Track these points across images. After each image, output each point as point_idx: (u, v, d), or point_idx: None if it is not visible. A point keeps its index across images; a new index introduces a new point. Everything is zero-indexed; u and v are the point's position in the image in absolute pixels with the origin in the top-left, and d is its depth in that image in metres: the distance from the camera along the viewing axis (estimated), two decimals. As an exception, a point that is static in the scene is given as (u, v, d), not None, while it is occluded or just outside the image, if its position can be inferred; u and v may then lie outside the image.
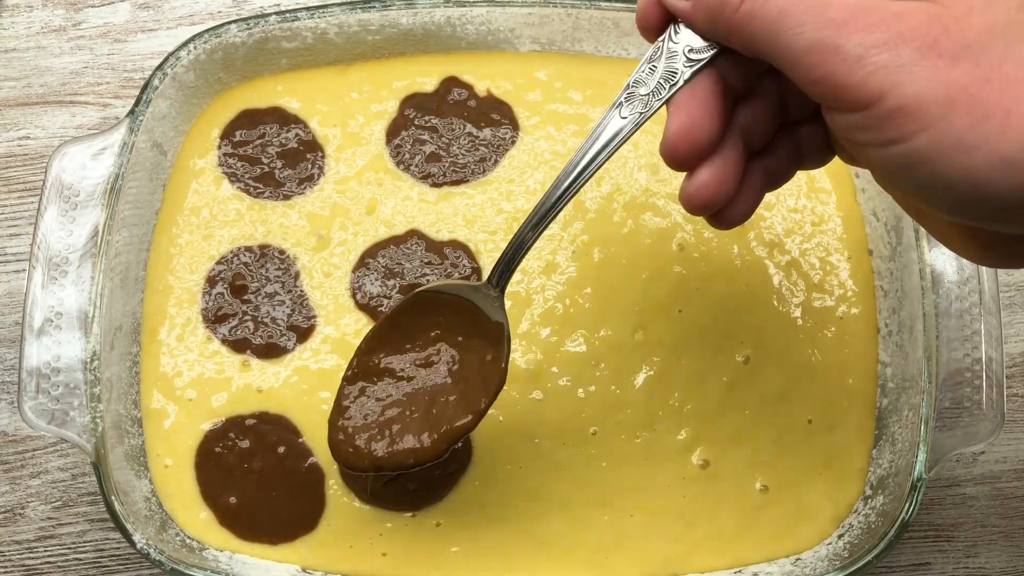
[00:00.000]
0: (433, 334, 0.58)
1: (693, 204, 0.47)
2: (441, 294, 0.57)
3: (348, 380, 0.58)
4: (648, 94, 0.47)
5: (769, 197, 0.68)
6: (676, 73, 0.46)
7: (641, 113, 0.47)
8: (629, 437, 0.64)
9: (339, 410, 0.57)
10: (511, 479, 0.63)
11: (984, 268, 0.61)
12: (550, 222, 0.52)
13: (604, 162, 0.49)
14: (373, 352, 0.58)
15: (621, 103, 0.48)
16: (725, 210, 0.48)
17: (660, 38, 0.47)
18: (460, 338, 0.57)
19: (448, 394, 0.57)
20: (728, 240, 0.67)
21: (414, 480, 0.63)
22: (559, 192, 0.51)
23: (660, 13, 0.47)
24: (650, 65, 0.47)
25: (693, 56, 0.46)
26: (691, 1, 0.45)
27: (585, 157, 0.49)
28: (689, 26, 0.46)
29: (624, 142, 0.48)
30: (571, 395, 0.64)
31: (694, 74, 0.46)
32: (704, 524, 0.63)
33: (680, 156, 0.46)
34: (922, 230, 0.62)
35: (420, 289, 0.58)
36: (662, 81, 0.47)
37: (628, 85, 0.48)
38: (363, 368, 0.58)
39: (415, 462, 0.56)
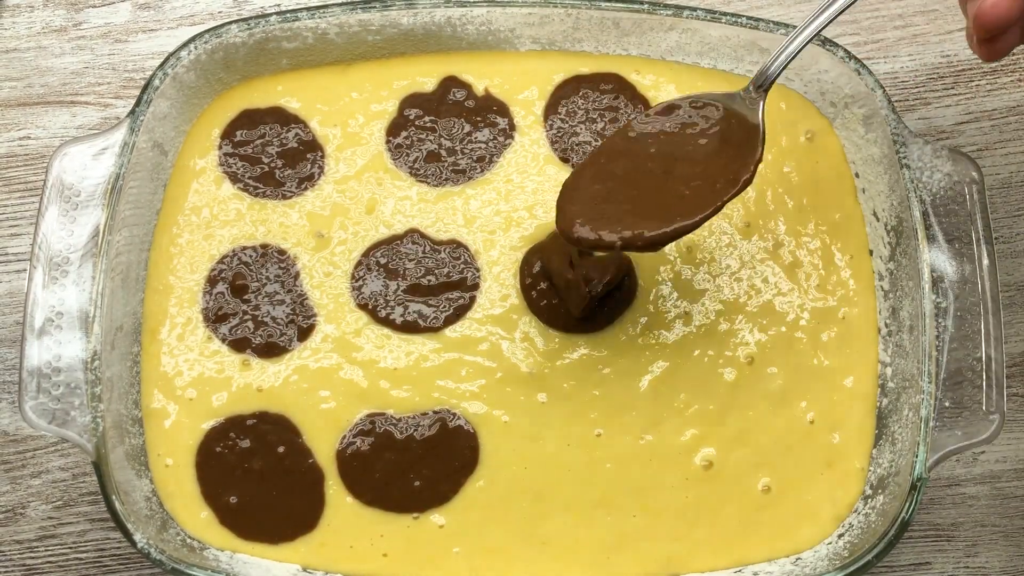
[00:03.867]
0: (684, 132, 0.59)
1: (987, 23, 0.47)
2: (693, 103, 0.59)
3: (592, 158, 0.58)
4: None
5: (771, 197, 0.68)
6: None
7: None
8: (634, 438, 0.64)
9: (575, 181, 0.58)
10: (515, 480, 0.63)
11: (984, 268, 0.61)
12: (825, 26, 0.55)
13: None
14: (621, 138, 0.59)
15: None
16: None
17: None
18: (707, 140, 0.58)
19: (689, 183, 0.57)
20: (732, 241, 0.67)
21: (422, 478, 0.63)
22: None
23: None
24: None
25: None
26: None
27: None
28: None
29: None
30: (576, 397, 0.64)
31: None
32: (706, 524, 0.63)
33: (1001, 23, 0.47)
34: (922, 230, 0.62)
35: (673, 100, 0.59)
36: None
37: None
38: (608, 149, 0.59)
39: (641, 245, 0.55)
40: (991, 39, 0.51)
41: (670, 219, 0.55)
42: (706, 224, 0.67)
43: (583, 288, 0.62)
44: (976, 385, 0.60)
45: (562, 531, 0.63)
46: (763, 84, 0.59)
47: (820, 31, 0.57)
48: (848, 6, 0.56)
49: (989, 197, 0.67)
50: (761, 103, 0.59)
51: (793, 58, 0.58)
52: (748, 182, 0.56)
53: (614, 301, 0.65)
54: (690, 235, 0.67)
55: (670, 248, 0.67)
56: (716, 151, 0.58)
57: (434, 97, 0.69)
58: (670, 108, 0.60)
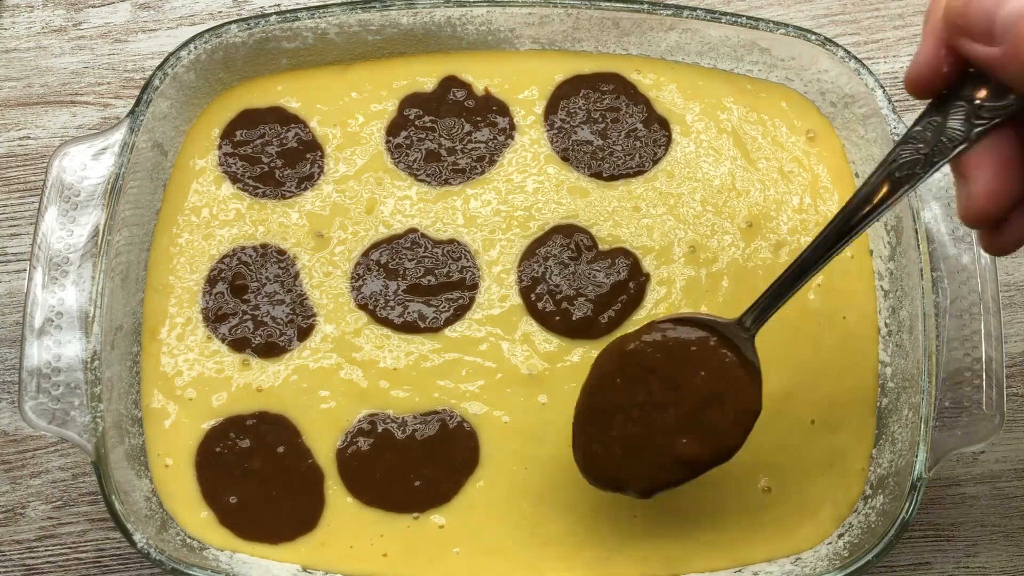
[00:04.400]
0: (678, 367, 0.56)
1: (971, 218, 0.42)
2: (685, 327, 0.55)
3: (588, 408, 0.57)
4: (928, 153, 0.43)
5: (772, 197, 0.68)
6: (962, 132, 0.41)
7: (920, 174, 0.43)
8: (636, 439, 0.64)
9: (585, 437, 0.56)
10: (516, 480, 0.63)
11: (984, 268, 0.61)
12: (811, 276, 0.51)
13: (872, 223, 0.46)
14: (611, 380, 0.56)
15: (896, 160, 0.44)
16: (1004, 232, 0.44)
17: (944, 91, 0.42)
18: (704, 373, 0.55)
19: (688, 430, 0.55)
20: (734, 241, 0.67)
21: (422, 479, 0.63)
22: (823, 246, 0.49)
23: (953, 65, 0.40)
24: (929, 121, 0.42)
25: (986, 113, 0.41)
26: (1002, 47, 0.38)
27: (851, 218, 0.46)
28: (995, 76, 0.39)
29: (897, 202, 0.45)
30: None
31: (988, 130, 0.41)
32: (707, 525, 0.63)
33: (989, 219, 0.42)
34: (922, 230, 0.62)
35: (659, 320, 0.56)
36: (946, 140, 0.42)
37: (903, 140, 0.43)
38: (603, 397, 0.56)
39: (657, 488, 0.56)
40: (994, 230, 0.44)
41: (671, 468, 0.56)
42: (707, 224, 0.67)
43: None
44: (976, 385, 0.60)
45: (563, 532, 0.63)
46: (757, 323, 0.54)
47: (815, 271, 0.51)
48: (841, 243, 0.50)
49: (989, 197, 0.67)
50: (752, 341, 0.55)
51: (786, 299, 0.54)
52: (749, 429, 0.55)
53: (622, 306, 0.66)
54: (692, 235, 0.67)
55: (673, 249, 0.67)
56: (713, 390, 0.55)
57: (434, 97, 0.69)
58: (662, 333, 0.56)
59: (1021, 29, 0.36)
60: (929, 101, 0.43)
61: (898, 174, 0.44)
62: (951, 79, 0.42)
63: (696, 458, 0.55)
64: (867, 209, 0.46)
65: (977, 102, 0.41)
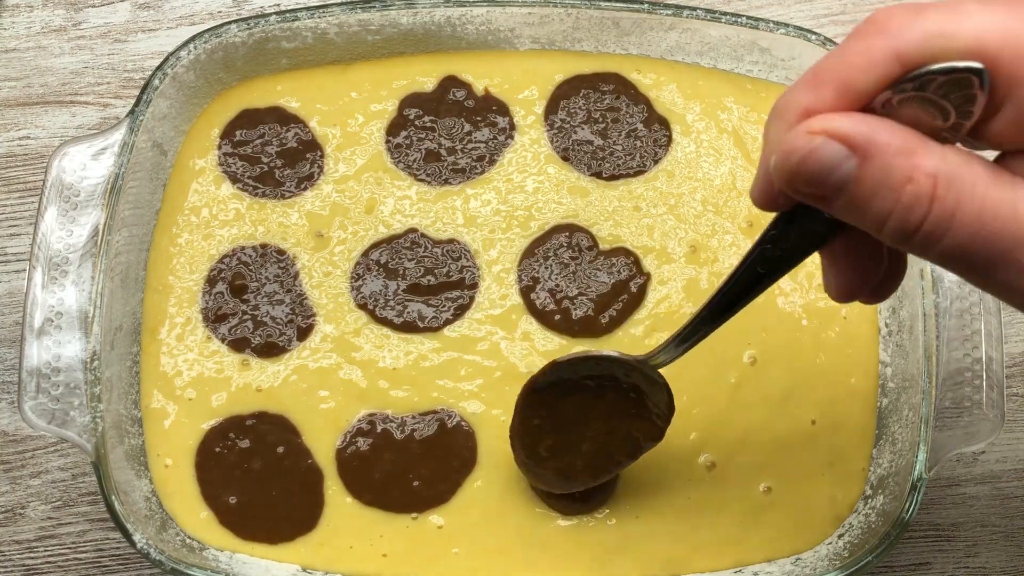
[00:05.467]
0: (587, 395, 0.59)
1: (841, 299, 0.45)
2: (598, 361, 0.57)
3: (521, 437, 0.60)
4: (787, 250, 0.44)
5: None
6: (820, 233, 0.42)
7: (783, 268, 0.45)
8: (636, 440, 0.64)
9: (524, 456, 0.61)
10: (514, 480, 0.63)
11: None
12: (693, 346, 0.53)
13: (737, 311, 0.49)
14: (534, 413, 0.60)
15: (758, 257, 0.45)
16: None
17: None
18: (620, 403, 0.58)
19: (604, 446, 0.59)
20: (735, 240, 0.67)
21: (420, 479, 0.63)
22: (697, 329, 0.52)
23: (785, 195, 0.41)
24: (788, 226, 0.43)
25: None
26: (839, 204, 0.37)
27: (720, 308, 0.49)
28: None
29: (764, 290, 0.47)
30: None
31: (839, 231, 0.42)
32: (708, 526, 0.63)
33: (853, 299, 0.44)
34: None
35: (564, 359, 0.58)
36: (805, 240, 0.43)
37: (763, 240, 0.44)
38: (528, 428, 0.60)
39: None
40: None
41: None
42: (708, 224, 0.67)
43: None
44: (976, 385, 0.60)
45: (564, 533, 0.63)
46: (662, 365, 0.56)
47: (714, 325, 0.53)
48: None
49: (989, 197, 0.66)
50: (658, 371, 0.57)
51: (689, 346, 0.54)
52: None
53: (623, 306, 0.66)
54: (693, 235, 0.67)
55: (674, 249, 0.67)
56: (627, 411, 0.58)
57: (434, 97, 0.69)
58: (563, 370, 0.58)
59: (853, 195, 0.37)
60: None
61: (761, 270, 0.46)
62: (789, 203, 0.42)
63: (616, 462, 0.60)
64: (737, 299, 0.49)
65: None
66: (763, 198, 0.42)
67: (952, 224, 0.36)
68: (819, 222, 0.42)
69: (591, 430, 0.59)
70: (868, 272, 0.44)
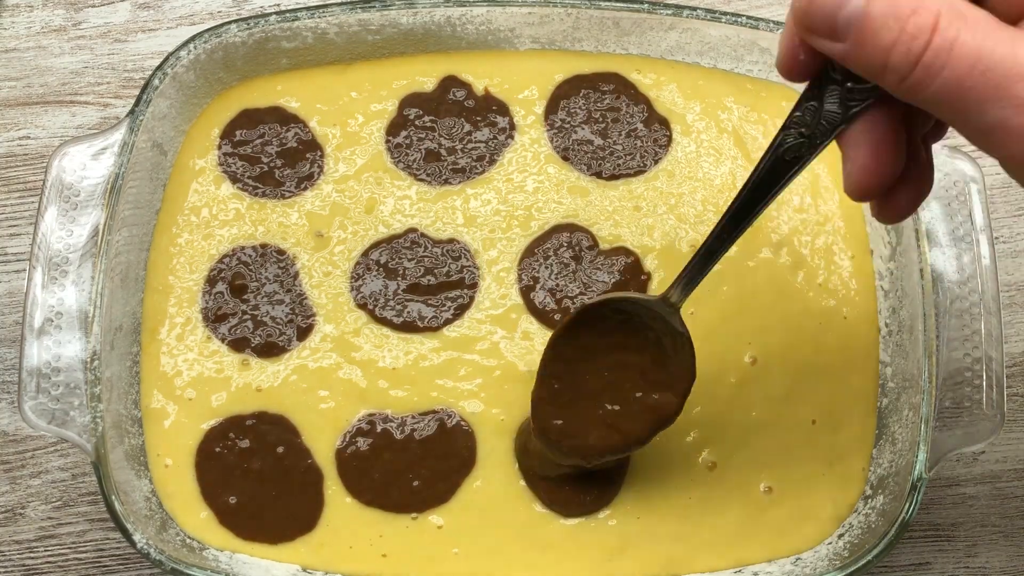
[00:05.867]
0: (611, 347, 0.58)
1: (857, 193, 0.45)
2: (616, 307, 0.56)
3: (542, 397, 0.59)
4: (810, 135, 0.45)
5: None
6: (839, 114, 0.44)
7: (806, 156, 0.46)
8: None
9: (543, 418, 0.59)
10: (513, 480, 0.63)
11: (984, 268, 0.61)
12: (720, 256, 0.52)
13: (767, 205, 0.48)
14: (556, 367, 0.59)
15: (782, 144, 0.46)
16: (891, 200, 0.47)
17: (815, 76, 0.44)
18: (638, 354, 0.57)
19: (628, 403, 0.58)
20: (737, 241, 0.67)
21: (420, 479, 0.63)
22: (725, 232, 0.51)
23: (810, 54, 0.43)
24: (808, 104, 0.44)
25: (857, 95, 0.43)
26: (846, 43, 0.40)
27: (748, 203, 0.49)
28: (847, 67, 0.42)
29: (788, 183, 0.47)
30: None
31: (863, 110, 0.43)
32: (708, 526, 0.63)
33: (871, 194, 0.44)
34: (922, 230, 0.62)
35: (591, 302, 0.57)
36: (825, 122, 0.44)
37: (786, 126, 0.45)
38: (550, 382, 0.59)
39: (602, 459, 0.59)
40: (883, 201, 0.47)
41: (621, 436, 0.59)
42: (708, 224, 0.67)
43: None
44: (976, 385, 0.60)
45: (564, 533, 0.63)
46: (678, 302, 0.55)
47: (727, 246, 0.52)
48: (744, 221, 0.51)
49: (989, 197, 0.67)
50: (679, 314, 0.56)
51: (705, 274, 0.54)
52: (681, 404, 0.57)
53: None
54: (693, 235, 0.67)
55: (674, 249, 0.67)
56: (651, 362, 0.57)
57: (434, 97, 0.69)
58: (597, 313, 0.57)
59: (861, 28, 0.39)
60: (807, 85, 0.45)
61: (787, 157, 0.46)
62: (812, 66, 0.44)
63: (635, 433, 0.58)
64: (762, 193, 0.48)
65: (848, 85, 0.43)
66: (786, 60, 0.44)
67: (950, 57, 0.37)
68: (838, 102, 0.43)
69: (608, 398, 0.58)
70: (885, 161, 0.44)
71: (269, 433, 0.64)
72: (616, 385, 0.58)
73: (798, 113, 0.45)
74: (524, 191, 0.68)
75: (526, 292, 0.66)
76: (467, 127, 0.69)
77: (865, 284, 0.67)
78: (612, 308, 0.57)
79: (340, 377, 0.65)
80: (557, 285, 0.66)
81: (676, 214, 0.68)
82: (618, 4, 0.66)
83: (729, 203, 0.50)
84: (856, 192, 0.45)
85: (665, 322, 0.56)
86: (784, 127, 0.46)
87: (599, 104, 0.69)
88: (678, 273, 0.54)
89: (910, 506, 0.59)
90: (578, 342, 0.58)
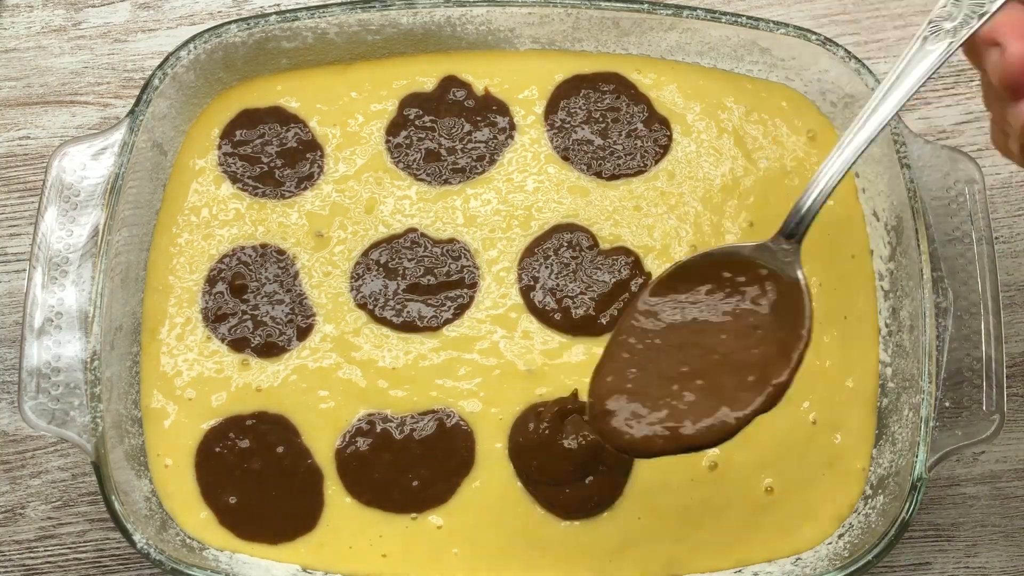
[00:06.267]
0: (716, 302, 0.53)
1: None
2: (719, 257, 0.54)
3: (620, 347, 0.52)
4: (956, 26, 0.46)
5: (773, 197, 0.68)
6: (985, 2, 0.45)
7: (950, 43, 0.47)
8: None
9: (609, 381, 0.52)
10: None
11: (984, 268, 0.61)
12: (856, 160, 0.52)
13: (910, 97, 0.49)
14: (647, 322, 0.52)
15: (926, 37, 0.47)
16: None
17: None
18: (748, 305, 0.52)
19: (733, 370, 0.51)
20: (736, 240, 0.67)
21: (419, 479, 0.63)
22: (864, 129, 0.51)
23: None
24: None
25: None
26: None
27: (894, 94, 0.49)
28: None
29: (931, 76, 0.48)
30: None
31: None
32: (709, 526, 0.63)
33: None
34: (922, 230, 0.62)
35: (694, 256, 0.54)
36: (970, 12, 0.46)
37: (931, 20, 0.47)
38: (637, 336, 0.52)
39: (688, 448, 0.50)
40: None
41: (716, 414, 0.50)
42: (708, 224, 0.67)
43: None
44: (976, 385, 0.60)
45: (564, 533, 0.63)
46: (797, 231, 0.51)
47: (858, 157, 0.52)
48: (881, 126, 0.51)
49: (989, 197, 0.67)
50: (797, 256, 0.52)
51: (830, 194, 0.52)
52: (800, 359, 0.50)
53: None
54: (694, 235, 0.67)
55: (674, 249, 0.67)
56: (755, 323, 0.51)
57: (434, 97, 0.69)
58: (688, 273, 0.53)
59: None
60: None
61: (935, 40, 0.48)
62: None
63: (746, 411, 0.51)
64: (908, 78, 0.49)
65: None
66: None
67: None
68: None
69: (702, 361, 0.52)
70: None
71: (269, 433, 0.64)
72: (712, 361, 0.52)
73: (944, 7, 0.47)
74: (524, 191, 0.68)
75: (526, 292, 0.66)
76: (467, 127, 0.69)
77: (865, 284, 0.67)
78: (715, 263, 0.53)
79: (340, 377, 0.65)
80: (557, 285, 0.66)
81: (676, 214, 0.68)
82: (618, 4, 0.66)
83: (878, 88, 0.51)
84: (1013, 76, 0.45)
85: (772, 276, 0.51)
86: (929, 22, 0.47)
87: (599, 104, 0.69)
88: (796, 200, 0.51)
89: (910, 506, 0.59)
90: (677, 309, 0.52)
